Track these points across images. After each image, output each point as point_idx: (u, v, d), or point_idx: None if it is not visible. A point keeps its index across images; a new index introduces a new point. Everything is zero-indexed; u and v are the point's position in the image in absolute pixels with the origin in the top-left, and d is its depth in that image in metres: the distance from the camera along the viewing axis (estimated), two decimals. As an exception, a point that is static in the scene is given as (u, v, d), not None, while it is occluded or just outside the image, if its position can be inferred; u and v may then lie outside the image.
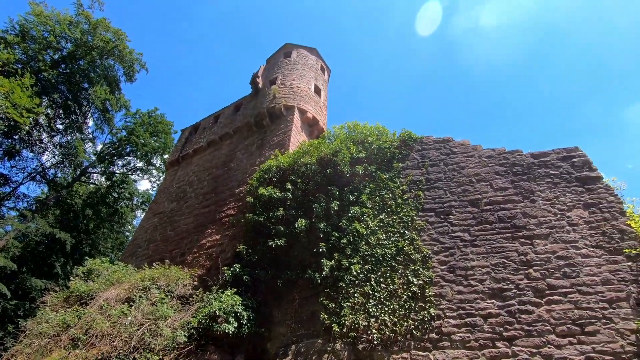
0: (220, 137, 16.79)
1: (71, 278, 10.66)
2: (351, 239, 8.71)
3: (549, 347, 6.26)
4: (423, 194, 9.27)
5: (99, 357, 7.61)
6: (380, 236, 8.66)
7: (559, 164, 8.76)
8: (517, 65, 49.68)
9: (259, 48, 62.05)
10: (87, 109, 27.50)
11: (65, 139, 27.95)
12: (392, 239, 8.59)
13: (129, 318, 8.07)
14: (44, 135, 27.32)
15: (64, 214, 28.43)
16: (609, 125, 47.85)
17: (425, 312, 7.20)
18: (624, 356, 5.86)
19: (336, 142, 11.10)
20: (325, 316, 7.62)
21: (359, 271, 8.07)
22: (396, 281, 7.81)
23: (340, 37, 60.10)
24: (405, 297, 7.54)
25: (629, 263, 6.83)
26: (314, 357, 7.09)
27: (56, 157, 28.90)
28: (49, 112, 25.59)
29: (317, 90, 17.27)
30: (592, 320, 6.34)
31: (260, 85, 17.27)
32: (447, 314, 7.12)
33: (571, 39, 45.00)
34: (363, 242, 8.63)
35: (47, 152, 28.17)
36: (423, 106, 59.24)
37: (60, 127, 27.39)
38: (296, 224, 9.24)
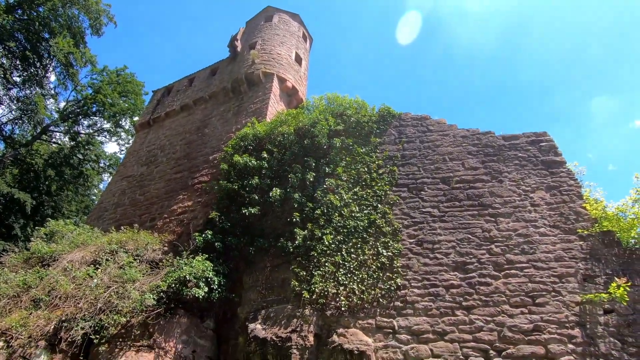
0: (194, 102, 16.14)
1: (32, 239, 10.22)
2: (325, 210, 8.80)
3: (503, 316, 6.75)
4: (398, 170, 9.43)
5: (63, 319, 7.45)
6: (354, 208, 8.81)
7: (527, 147, 9.12)
8: (497, 49, 50.27)
9: (239, 9, 58.81)
10: (48, 61, 25.42)
11: (23, 92, 25.93)
12: (365, 211, 8.76)
13: (95, 280, 7.90)
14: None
15: (23, 174, 26.81)
16: (576, 114, 50.06)
17: (392, 282, 7.52)
18: (567, 325, 6.43)
19: (315, 113, 10.96)
20: (296, 283, 7.80)
21: (331, 241, 8.23)
22: (366, 252, 8.05)
23: (323, 3, 58.05)
24: (374, 267, 7.81)
25: (581, 242, 7.37)
26: (283, 322, 7.29)
27: (13, 112, 26.90)
28: (4, 61, 23.52)
29: (298, 59, 16.78)
30: (543, 293, 6.86)
31: (238, 49, 16.55)
32: (412, 284, 7.47)
33: (547, 29, 45.81)
34: (336, 214, 8.75)
35: (2, 106, 26.13)
36: (403, 82, 59.24)
37: (18, 79, 25.31)
38: (271, 193, 9.20)
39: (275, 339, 6.98)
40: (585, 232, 7.42)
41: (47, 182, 27.00)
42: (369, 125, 10.44)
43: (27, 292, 8.07)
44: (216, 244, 8.88)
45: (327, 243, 8.19)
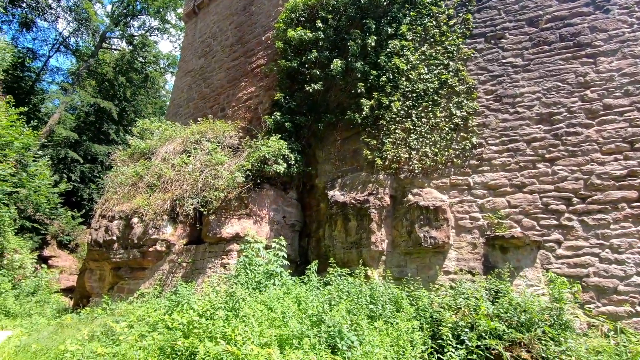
0: (234, -23, 14.72)
1: (129, 137, 11.63)
2: (390, 77, 8.30)
3: (592, 165, 6.39)
4: (472, 17, 8.15)
5: (174, 198, 8.93)
6: (422, 70, 8.15)
7: (653, -44, 7.01)
8: None
9: None
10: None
11: (71, 0, 26.03)
12: (435, 72, 8.08)
13: (190, 166, 9.03)
14: (51, 0, 25.54)
15: (100, 84, 29.04)
16: None
17: (467, 141, 7.32)
18: (671, 167, 5.90)
19: (370, -37, 9.37)
20: (368, 152, 8.02)
21: (399, 108, 7.98)
22: (438, 115, 7.73)
23: None
24: (447, 129, 7.58)
25: None
26: (359, 187, 7.85)
27: (70, 23, 27.65)
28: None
29: None
30: (645, 136, 6.18)
31: None
32: (488, 142, 7.22)
33: None
34: (403, 79, 8.23)
35: (60, 20, 26.90)
36: None
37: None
38: (331, 66, 8.81)
39: (353, 202, 7.65)
40: None
41: (121, 89, 29.12)
42: (435, -34, 8.74)
43: (141, 180, 9.62)
44: (286, 124, 9.20)
45: (395, 110, 7.97)
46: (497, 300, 5.68)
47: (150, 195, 9.00)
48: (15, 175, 16.08)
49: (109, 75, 28.56)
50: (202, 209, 8.22)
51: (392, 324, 5.66)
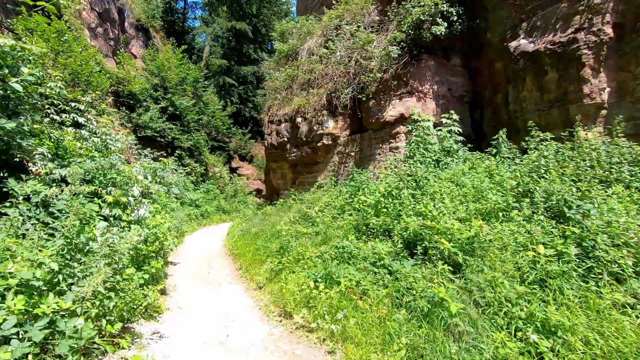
0: None
1: (274, 42, 11.78)
2: None
3: None
4: None
5: (329, 92, 8.79)
6: None
7: None
8: None
9: None
10: None
11: None
12: None
13: (338, 53, 8.50)
14: None
15: (230, 7, 30.27)
16: None
17: None
18: None
19: None
20: (570, -29, 5.67)
21: None
22: None
23: None
24: None
25: None
26: (557, 25, 5.81)
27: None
28: None
29: None
30: None
31: None
32: None
33: None
34: None
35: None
36: None
37: None
38: None
39: (550, 47, 5.79)
40: None
41: (248, 6, 29.73)
42: None
43: (294, 81, 9.80)
44: (438, -29, 7.32)
45: None
46: None
47: (307, 93, 9.12)
48: (195, 105, 19.31)
49: (234, -6, 29.23)
50: (359, 96, 7.83)
51: (637, 189, 4.39)
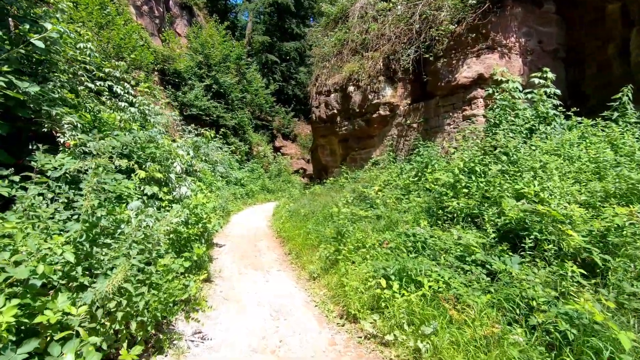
0: None
1: (321, 6, 10.74)
2: None
3: None
4: None
5: (386, 55, 7.66)
6: None
7: None
8: None
9: None
10: None
11: None
12: None
13: (399, 6, 7.29)
14: None
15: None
16: None
17: None
18: None
19: None
20: None
21: None
22: None
23: None
24: None
25: None
26: None
27: None
28: None
29: None
30: None
31: None
32: None
33: None
34: None
35: None
36: None
37: None
38: None
39: None
40: None
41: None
42: None
43: (344, 46, 8.74)
44: None
45: None
46: None
47: (360, 58, 8.06)
48: (239, 83, 18.89)
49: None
50: (425, 56, 6.63)
51: None
